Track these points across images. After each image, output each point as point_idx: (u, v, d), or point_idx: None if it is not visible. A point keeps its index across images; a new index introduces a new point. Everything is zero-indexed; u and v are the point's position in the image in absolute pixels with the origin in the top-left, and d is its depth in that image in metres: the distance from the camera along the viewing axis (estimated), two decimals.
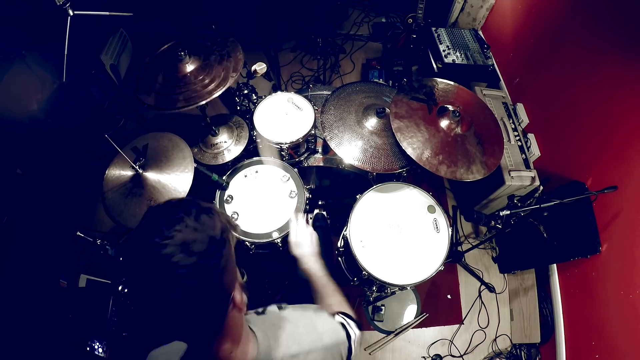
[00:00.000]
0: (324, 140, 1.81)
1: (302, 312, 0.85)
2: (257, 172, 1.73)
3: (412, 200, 1.63)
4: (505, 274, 2.30)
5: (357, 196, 1.62)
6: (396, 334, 2.09)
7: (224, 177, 1.66)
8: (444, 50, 2.46)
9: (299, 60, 3.22)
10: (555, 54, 2.00)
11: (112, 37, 2.69)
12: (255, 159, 1.76)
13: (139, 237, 0.56)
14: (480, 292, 2.25)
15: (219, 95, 1.52)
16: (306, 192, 1.67)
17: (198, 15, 2.92)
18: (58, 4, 1.57)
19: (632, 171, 1.51)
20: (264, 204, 1.64)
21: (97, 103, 2.63)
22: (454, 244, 2.37)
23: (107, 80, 2.39)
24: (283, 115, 1.85)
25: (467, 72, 2.45)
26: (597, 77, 1.71)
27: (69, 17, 1.61)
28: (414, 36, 2.53)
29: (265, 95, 1.96)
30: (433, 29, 2.57)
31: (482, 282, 2.25)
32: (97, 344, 1.65)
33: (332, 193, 2.17)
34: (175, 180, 1.44)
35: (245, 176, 1.72)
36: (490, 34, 2.66)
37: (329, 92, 1.86)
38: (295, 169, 1.73)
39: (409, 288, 1.85)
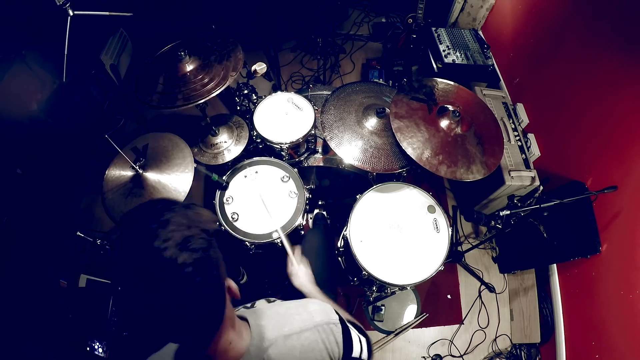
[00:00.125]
0: (324, 140, 1.81)
1: (292, 300, 0.85)
2: (256, 172, 1.73)
3: (412, 200, 1.63)
4: (505, 274, 2.30)
5: (357, 196, 1.62)
6: (396, 334, 2.09)
7: (224, 177, 1.67)
8: (444, 50, 2.46)
9: (299, 60, 3.22)
10: (555, 54, 2.00)
11: (112, 37, 2.69)
12: (255, 159, 1.77)
13: (134, 245, 0.55)
14: (480, 292, 2.25)
15: (219, 95, 1.52)
16: (306, 192, 1.67)
17: (198, 15, 2.92)
18: (58, 4, 1.57)
19: (632, 171, 1.51)
20: (264, 203, 1.64)
21: (97, 103, 2.63)
22: (454, 244, 2.37)
23: (107, 80, 2.38)
24: (283, 115, 1.85)
25: (467, 72, 2.45)
26: (597, 77, 1.71)
27: (69, 17, 1.61)
28: (414, 36, 2.53)
29: (265, 95, 1.96)
30: (433, 29, 2.57)
31: (482, 282, 2.25)
32: (97, 344, 1.65)
33: (332, 193, 2.17)
34: (175, 180, 1.44)
35: (245, 176, 1.72)
36: (490, 34, 2.66)
37: (329, 92, 1.86)
38: (295, 169, 1.73)
39: (409, 288, 1.85)
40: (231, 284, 0.64)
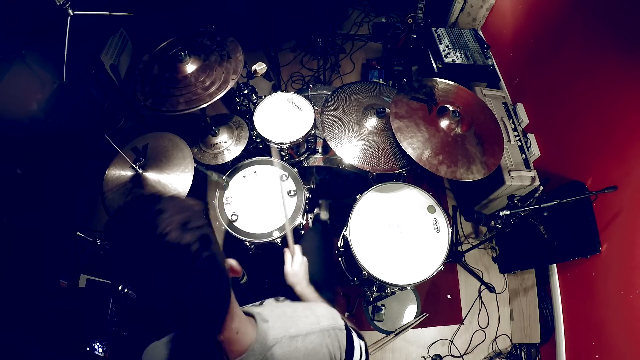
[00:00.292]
0: (324, 140, 1.81)
1: (300, 302, 0.86)
2: (255, 172, 1.73)
3: (412, 200, 1.63)
4: (505, 274, 2.30)
5: (357, 196, 1.62)
6: (396, 334, 2.09)
7: (224, 177, 1.67)
8: (444, 50, 2.46)
9: (299, 60, 3.22)
10: (555, 54, 2.00)
11: (112, 37, 2.69)
12: (255, 159, 1.77)
13: (138, 239, 0.55)
14: (480, 292, 2.25)
15: None
16: (306, 192, 1.67)
17: (198, 15, 2.92)
18: (58, 4, 1.57)
19: (632, 171, 1.51)
20: (263, 203, 1.64)
21: (97, 103, 2.63)
22: (454, 244, 2.37)
23: (107, 80, 2.39)
24: (283, 115, 1.85)
25: (467, 72, 2.44)
26: (597, 77, 1.71)
27: (69, 17, 1.61)
28: (414, 36, 2.53)
29: (265, 95, 1.96)
30: (433, 29, 2.57)
31: (482, 282, 2.25)
32: (97, 344, 1.65)
33: (332, 193, 2.17)
34: (175, 180, 1.44)
35: (244, 177, 1.72)
36: (490, 34, 2.66)
37: (329, 92, 1.86)
38: (295, 169, 1.73)
39: (409, 288, 1.85)
40: (232, 262, 0.66)
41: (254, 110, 1.87)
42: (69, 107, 2.33)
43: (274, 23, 2.95)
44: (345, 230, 1.63)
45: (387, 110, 1.64)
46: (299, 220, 1.61)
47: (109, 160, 1.52)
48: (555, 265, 1.97)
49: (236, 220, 1.59)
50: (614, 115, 1.63)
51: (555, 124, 2.03)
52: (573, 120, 1.89)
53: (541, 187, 1.67)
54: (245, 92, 2.03)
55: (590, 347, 1.64)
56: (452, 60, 2.43)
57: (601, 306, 1.62)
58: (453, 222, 2.46)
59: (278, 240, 1.56)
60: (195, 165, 1.49)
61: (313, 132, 1.84)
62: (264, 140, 1.79)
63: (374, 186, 1.65)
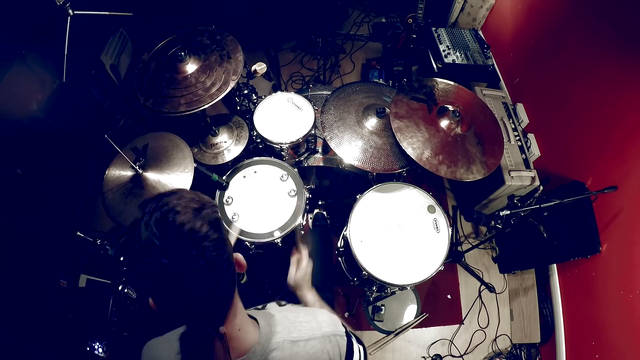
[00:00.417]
0: (324, 140, 1.81)
1: (302, 307, 0.86)
2: (255, 172, 1.73)
3: (412, 200, 1.63)
4: (505, 274, 2.30)
5: (357, 196, 1.62)
6: (396, 334, 2.09)
7: (224, 177, 1.66)
8: (444, 50, 2.46)
9: (299, 60, 3.22)
10: (555, 54, 2.00)
11: (112, 37, 2.69)
12: (255, 159, 1.77)
13: (159, 231, 0.56)
14: (480, 292, 2.25)
15: None
16: (306, 192, 1.67)
17: (198, 15, 2.92)
18: (58, 4, 1.57)
19: (632, 171, 1.51)
20: (263, 203, 1.64)
21: (97, 103, 2.63)
22: (454, 244, 2.37)
23: (107, 80, 2.39)
24: (283, 115, 1.85)
25: (467, 72, 2.45)
26: (597, 77, 1.71)
27: (69, 17, 1.61)
28: (414, 36, 2.53)
29: (265, 95, 1.96)
30: (433, 29, 2.57)
31: (482, 282, 2.25)
32: (97, 344, 1.65)
33: (332, 193, 2.17)
34: (175, 180, 1.44)
35: (244, 177, 1.72)
36: (490, 34, 2.66)
37: (329, 92, 1.86)
38: (295, 169, 1.73)
39: (409, 288, 1.85)
40: (238, 256, 0.67)
41: (254, 110, 1.87)
42: (69, 107, 2.33)
43: (274, 23, 2.95)
44: (345, 230, 1.63)
45: (387, 110, 1.64)
46: (299, 220, 1.61)
47: (109, 160, 1.52)
48: (555, 265, 1.97)
49: (236, 221, 1.59)
50: (613, 115, 1.63)
51: (555, 124, 2.03)
52: (573, 120, 1.89)
53: (541, 187, 1.67)
54: (245, 92, 2.03)
55: (590, 347, 1.64)
56: (452, 60, 2.43)
57: (601, 306, 1.62)
58: (453, 222, 2.46)
59: (278, 240, 1.56)
60: (195, 165, 1.49)
61: (313, 132, 1.84)
62: (264, 140, 1.79)
63: (374, 186, 1.65)
